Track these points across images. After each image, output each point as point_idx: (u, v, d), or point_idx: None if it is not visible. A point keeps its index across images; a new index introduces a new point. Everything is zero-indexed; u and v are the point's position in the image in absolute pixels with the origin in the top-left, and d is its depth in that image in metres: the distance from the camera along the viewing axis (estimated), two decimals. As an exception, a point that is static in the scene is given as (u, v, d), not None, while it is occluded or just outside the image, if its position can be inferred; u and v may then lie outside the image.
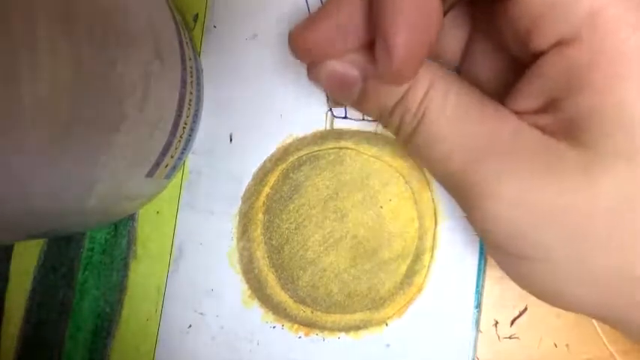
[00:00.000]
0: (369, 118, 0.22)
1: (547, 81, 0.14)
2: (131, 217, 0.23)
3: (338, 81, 0.16)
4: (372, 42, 0.14)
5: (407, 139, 0.16)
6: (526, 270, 0.15)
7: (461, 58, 0.18)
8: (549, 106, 0.14)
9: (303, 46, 0.15)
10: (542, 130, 0.14)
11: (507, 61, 0.17)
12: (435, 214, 0.22)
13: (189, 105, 0.20)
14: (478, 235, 0.17)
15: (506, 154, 0.14)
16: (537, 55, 0.14)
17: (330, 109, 0.22)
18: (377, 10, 0.13)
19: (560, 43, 0.14)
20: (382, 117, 0.17)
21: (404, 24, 0.13)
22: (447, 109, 0.15)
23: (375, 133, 0.22)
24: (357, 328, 0.22)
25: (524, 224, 0.14)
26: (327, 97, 0.22)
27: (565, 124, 0.14)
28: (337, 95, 0.17)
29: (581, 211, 0.14)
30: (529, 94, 0.15)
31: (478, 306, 0.21)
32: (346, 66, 0.15)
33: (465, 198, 0.15)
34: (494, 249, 0.16)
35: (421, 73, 0.15)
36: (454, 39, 0.18)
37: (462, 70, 0.19)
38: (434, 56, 0.19)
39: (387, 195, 0.22)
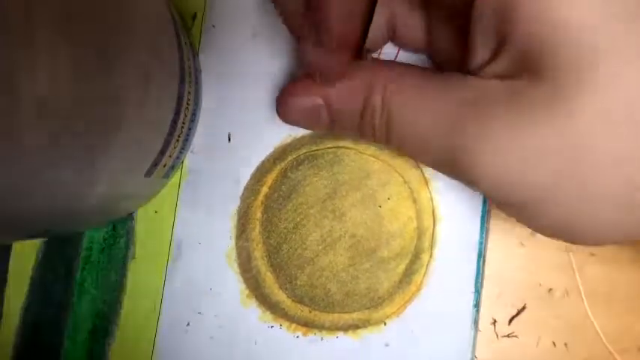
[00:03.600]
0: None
1: (486, 21, 0.14)
2: (130, 217, 0.23)
3: (306, 112, 0.18)
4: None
5: (385, 143, 0.17)
6: (531, 214, 0.15)
7: (426, 43, 0.19)
8: (499, 48, 0.14)
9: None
10: (503, 76, 0.14)
11: (460, 29, 0.17)
12: (434, 213, 0.22)
13: (188, 105, 0.20)
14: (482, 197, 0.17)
15: (476, 115, 0.14)
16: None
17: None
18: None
19: None
20: (356, 132, 0.18)
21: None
22: (408, 103, 0.16)
23: (374, 133, 0.22)
24: (355, 327, 0.22)
25: (514, 173, 0.14)
26: None
27: (520, 62, 0.14)
28: (310, 125, 0.19)
29: (560, 145, 0.13)
30: (479, 45, 0.15)
31: (477, 305, 0.21)
32: (309, 97, 0.17)
33: (457, 171, 0.16)
34: (498, 205, 0.16)
35: (374, 80, 0.16)
36: (415, 28, 0.19)
37: (431, 53, 0.20)
38: (402, 45, 0.20)
39: (385, 194, 0.22)
